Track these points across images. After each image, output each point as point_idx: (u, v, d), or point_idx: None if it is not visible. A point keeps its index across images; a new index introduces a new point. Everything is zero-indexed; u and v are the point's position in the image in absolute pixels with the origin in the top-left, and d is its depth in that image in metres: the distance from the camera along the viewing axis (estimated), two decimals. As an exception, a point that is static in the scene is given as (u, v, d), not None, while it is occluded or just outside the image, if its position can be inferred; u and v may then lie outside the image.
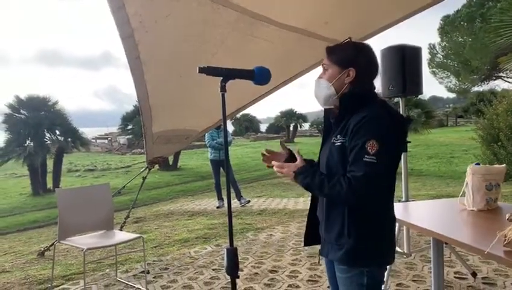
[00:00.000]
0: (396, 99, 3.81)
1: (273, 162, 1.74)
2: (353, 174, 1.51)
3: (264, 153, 1.90)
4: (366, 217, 1.60)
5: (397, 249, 3.12)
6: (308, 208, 1.88)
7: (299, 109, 32.20)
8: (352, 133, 1.55)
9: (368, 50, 1.70)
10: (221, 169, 7.69)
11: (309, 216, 1.86)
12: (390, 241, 1.70)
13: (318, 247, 1.85)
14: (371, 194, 1.53)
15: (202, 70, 1.60)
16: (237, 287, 1.58)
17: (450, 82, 23.16)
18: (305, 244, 1.89)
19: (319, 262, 3.87)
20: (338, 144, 1.61)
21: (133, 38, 2.40)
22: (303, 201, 7.76)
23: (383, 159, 1.50)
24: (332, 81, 1.68)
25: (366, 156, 1.49)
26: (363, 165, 1.49)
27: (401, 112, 3.67)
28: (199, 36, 2.71)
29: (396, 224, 1.98)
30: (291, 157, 1.85)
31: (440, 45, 22.11)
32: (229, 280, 1.64)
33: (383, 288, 1.74)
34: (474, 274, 3.43)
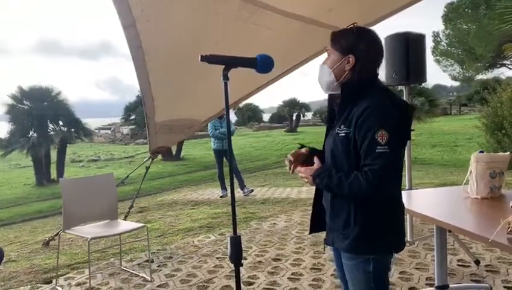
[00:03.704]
0: (399, 88, 3.79)
1: (297, 169, 1.74)
2: (370, 168, 1.50)
3: (290, 159, 1.80)
4: (373, 205, 1.59)
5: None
6: (313, 196, 1.86)
7: (302, 98, 32.07)
8: (358, 124, 1.54)
9: (371, 36, 1.66)
10: (225, 159, 7.70)
11: (314, 204, 1.85)
12: (398, 229, 1.68)
13: (322, 235, 1.85)
14: (388, 185, 1.54)
15: (204, 58, 1.58)
16: (241, 275, 1.59)
17: (454, 70, 23.05)
18: (311, 232, 1.89)
19: (324, 251, 3.89)
20: (342, 134, 1.60)
21: (135, 27, 2.39)
22: (306, 190, 7.76)
23: (394, 147, 1.51)
24: (332, 68, 1.66)
25: (378, 147, 1.49)
26: (377, 156, 1.49)
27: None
28: (201, 25, 2.69)
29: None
30: (311, 154, 1.80)
31: (444, 32, 21.95)
32: (233, 268, 1.64)
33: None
34: (477, 262, 3.43)
